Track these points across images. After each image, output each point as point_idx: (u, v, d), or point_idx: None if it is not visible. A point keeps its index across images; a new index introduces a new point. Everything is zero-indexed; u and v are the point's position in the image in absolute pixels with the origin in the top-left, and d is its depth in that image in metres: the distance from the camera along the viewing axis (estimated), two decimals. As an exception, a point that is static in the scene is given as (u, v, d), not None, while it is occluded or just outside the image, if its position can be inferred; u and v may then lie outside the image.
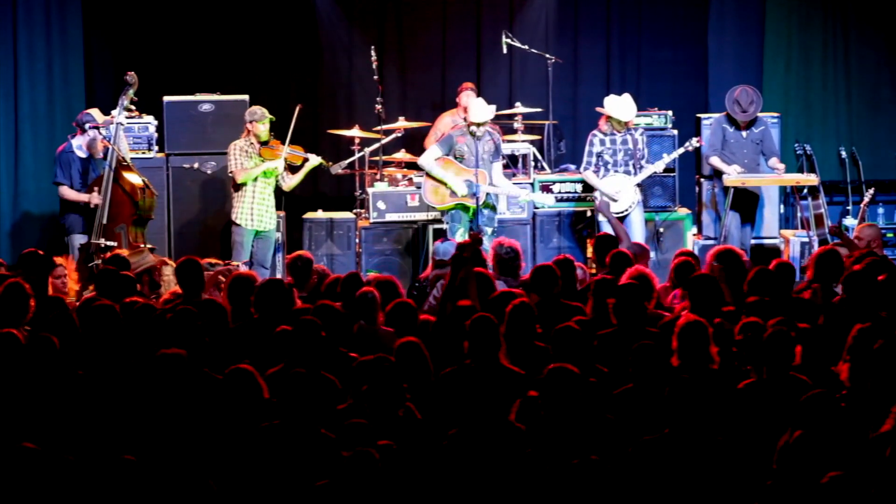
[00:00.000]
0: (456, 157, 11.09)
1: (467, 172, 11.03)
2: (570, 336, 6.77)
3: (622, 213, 11.37)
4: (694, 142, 11.86)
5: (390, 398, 6.11)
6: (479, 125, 11.04)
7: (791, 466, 5.31)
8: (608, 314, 7.39)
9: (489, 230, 11.00)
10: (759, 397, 6.24)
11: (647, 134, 11.79)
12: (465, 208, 11.07)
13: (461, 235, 10.78)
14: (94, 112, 11.34)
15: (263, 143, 11.33)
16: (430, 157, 11.15)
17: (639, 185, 11.56)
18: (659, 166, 11.57)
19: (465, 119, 11.46)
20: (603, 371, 6.82)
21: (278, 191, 11.51)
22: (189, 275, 8.35)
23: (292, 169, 11.39)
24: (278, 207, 11.66)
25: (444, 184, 11.07)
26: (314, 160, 11.36)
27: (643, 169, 11.51)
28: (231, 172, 11.31)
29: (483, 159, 11.08)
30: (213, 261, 9.85)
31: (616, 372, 6.75)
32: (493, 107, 11.22)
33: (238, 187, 11.30)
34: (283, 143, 11.30)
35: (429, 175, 11.14)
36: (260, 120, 11.23)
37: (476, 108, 11.09)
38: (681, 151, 11.82)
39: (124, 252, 10.17)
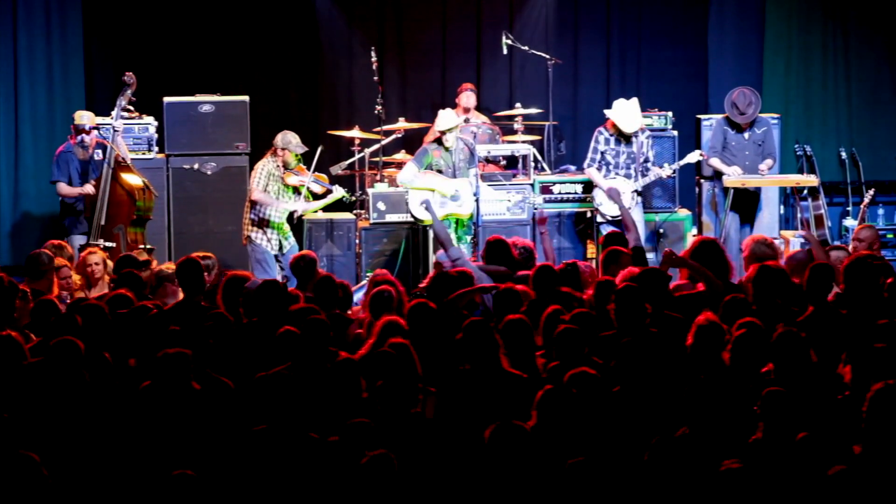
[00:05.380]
0: (435, 171, 11.07)
1: (450, 182, 11.03)
2: (571, 337, 6.76)
3: (620, 215, 11.34)
4: (696, 154, 11.84)
5: (400, 397, 6.11)
6: (446, 132, 11.03)
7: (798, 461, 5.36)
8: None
9: (468, 238, 11.03)
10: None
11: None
12: (460, 223, 11.07)
13: (458, 243, 10.79)
14: (87, 115, 11.32)
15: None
16: (410, 172, 11.09)
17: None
18: (658, 174, 11.54)
19: (465, 120, 11.44)
20: (603, 372, 6.81)
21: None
22: (189, 275, 8.32)
23: (312, 196, 11.15)
24: (289, 221, 11.29)
25: (432, 190, 11.03)
26: (337, 193, 11.11)
27: (644, 176, 11.49)
28: (249, 188, 11.01)
29: (459, 168, 11.10)
30: (204, 254, 9.80)
31: (615, 373, 6.74)
32: (460, 113, 11.25)
33: (257, 206, 11.01)
34: (309, 170, 11.02)
35: (413, 189, 11.09)
36: (295, 150, 10.96)
37: (442, 117, 11.08)
38: (683, 163, 11.81)
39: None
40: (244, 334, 7.37)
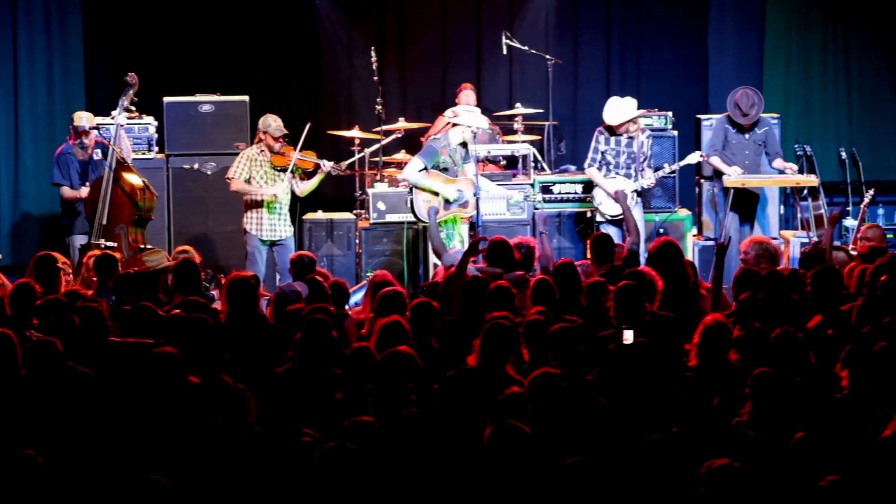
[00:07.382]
0: (440, 170, 10.91)
1: (454, 182, 10.97)
2: (568, 337, 6.76)
3: (620, 215, 11.33)
4: (696, 155, 11.83)
5: (398, 396, 6.11)
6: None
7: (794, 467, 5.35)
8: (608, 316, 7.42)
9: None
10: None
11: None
12: (455, 220, 10.99)
13: (458, 244, 10.76)
14: (86, 116, 11.31)
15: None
16: (415, 169, 10.76)
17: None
18: (643, 184, 11.52)
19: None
20: (600, 372, 6.81)
21: (293, 196, 11.19)
22: (185, 276, 8.30)
23: (305, 174, 11.14)
24: (293, 213, 11.32)
25: (436, 194, 10.86)
26: (327, 166, 11.06)
27: (642, 176, 11.48)
28: (227, 178, 11.06)
29: (458, 165, 11.04)
30: (183, 248, 9.82)
31: (614, 372, 6.74)
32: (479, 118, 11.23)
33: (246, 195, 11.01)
34: (295, 150, 10.99)
35: (417, 188, 10.94)
36: (273, 134, 10.96)
37: (467, 120, 10.91)
38: (682, 164, 11.81)
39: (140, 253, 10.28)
40: (246, 333, 7.37)
